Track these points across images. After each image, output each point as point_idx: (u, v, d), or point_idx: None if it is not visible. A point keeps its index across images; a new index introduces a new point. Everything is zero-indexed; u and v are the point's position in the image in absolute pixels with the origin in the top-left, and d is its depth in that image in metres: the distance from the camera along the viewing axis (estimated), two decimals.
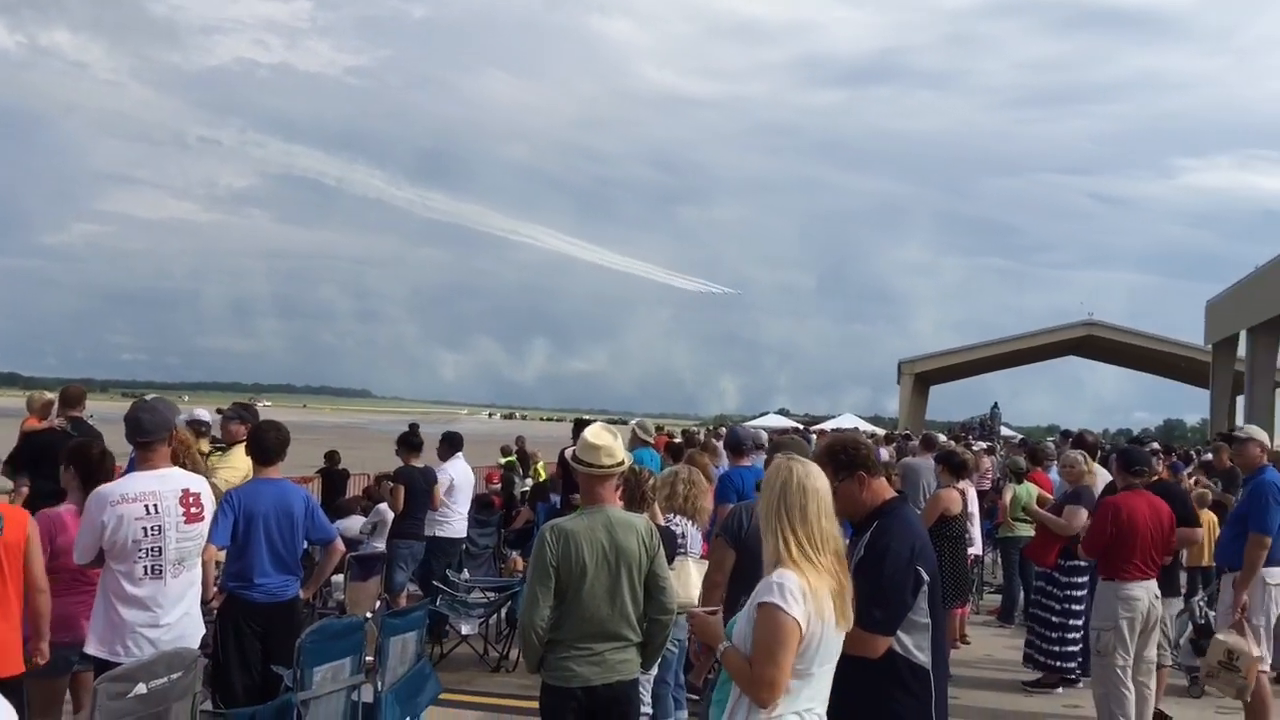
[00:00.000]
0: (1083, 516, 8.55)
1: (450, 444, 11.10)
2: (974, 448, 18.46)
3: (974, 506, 11.18)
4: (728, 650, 3.51)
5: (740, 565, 5.81)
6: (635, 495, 6.13)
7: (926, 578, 3.94)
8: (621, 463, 4.86)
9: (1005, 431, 41.16)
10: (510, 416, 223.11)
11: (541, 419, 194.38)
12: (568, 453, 9.16)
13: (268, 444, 6.32)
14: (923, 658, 3.96)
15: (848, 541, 3.89)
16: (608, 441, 4.79)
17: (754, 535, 4.63)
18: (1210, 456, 14.02)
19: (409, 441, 10.59)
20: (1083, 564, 8.83)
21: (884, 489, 4.16)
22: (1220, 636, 7.30)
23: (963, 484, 10.82)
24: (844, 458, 4.08)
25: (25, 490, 8.53)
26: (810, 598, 3.36)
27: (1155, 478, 8.12)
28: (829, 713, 3.54)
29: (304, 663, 5.25)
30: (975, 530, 11.18)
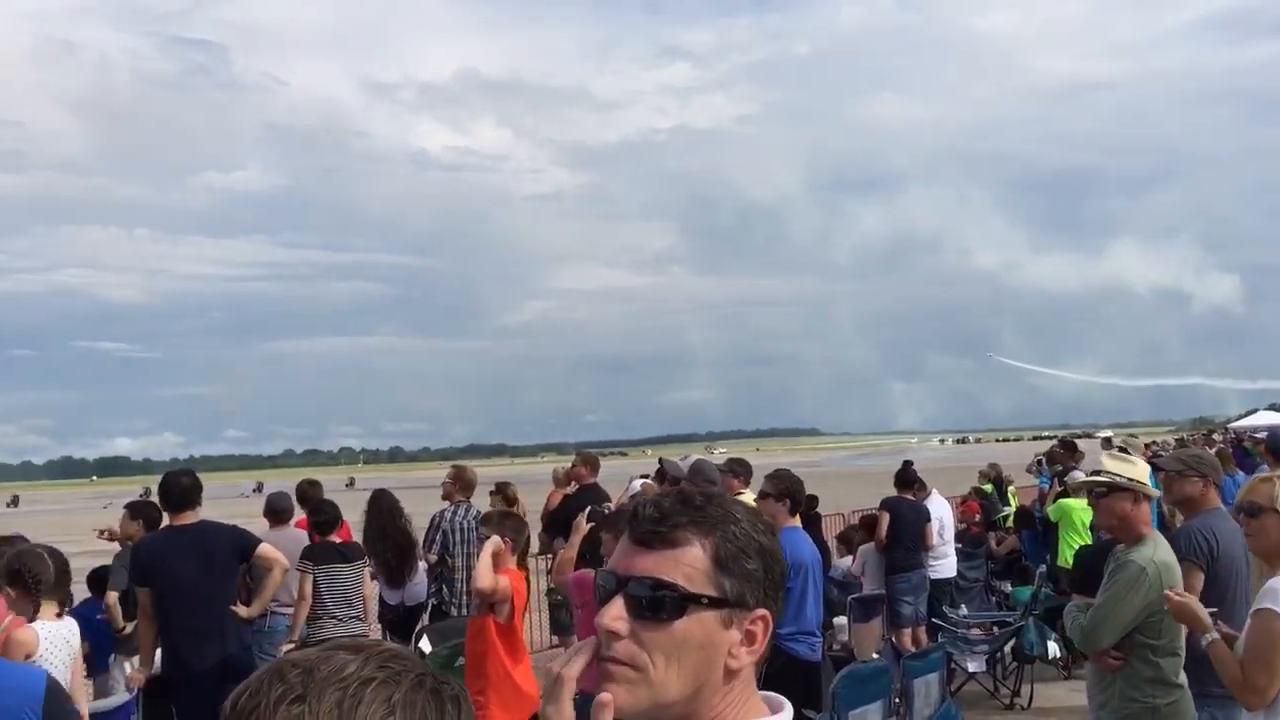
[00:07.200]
0: None
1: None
2: None
3: None
4: (1214, 644, 3.43)
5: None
6: None
7: None
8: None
9: None
10: (963, 441, 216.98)
11: (997, 440, 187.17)
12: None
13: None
14: None
15: None
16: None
17: (1225, 556, 4.27)
18: None
19: (903, 478, 10.79)
20: None
21: None
22: None
23: None
24: None
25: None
26: None
27: None
28: None
29: (838, 707, 5.42)
30: None
